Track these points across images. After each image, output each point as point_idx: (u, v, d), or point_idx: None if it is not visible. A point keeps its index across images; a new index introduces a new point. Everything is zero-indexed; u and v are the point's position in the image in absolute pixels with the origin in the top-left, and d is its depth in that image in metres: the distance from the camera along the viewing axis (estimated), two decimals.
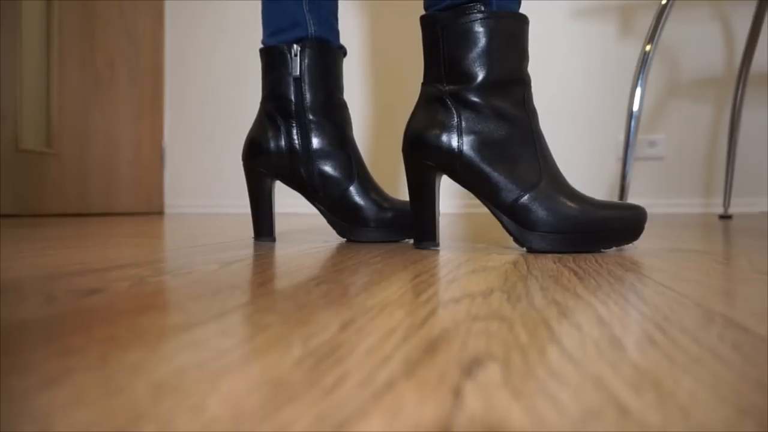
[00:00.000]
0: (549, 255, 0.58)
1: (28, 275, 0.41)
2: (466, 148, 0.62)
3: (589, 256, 0.57)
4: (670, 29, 2.03)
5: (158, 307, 0.30)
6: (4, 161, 1.71)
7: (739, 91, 1.66)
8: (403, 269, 0.46)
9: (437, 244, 0.66)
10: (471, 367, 0.19)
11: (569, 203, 0.61)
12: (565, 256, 0.57)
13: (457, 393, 0.17)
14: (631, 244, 0.69)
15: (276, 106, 0.76)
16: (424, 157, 0.64)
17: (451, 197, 2.18)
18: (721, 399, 0.16)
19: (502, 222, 0.62)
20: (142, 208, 2.32)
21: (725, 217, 1.59)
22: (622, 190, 1.31)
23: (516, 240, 0.62)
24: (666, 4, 1.31)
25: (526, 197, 0.61)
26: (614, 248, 0.64)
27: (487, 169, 0.62)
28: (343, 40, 0.84)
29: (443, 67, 0.64)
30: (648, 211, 2.06)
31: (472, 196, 2.18)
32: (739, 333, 0.24)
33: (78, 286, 0.36)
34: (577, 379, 0.18)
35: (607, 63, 2.10)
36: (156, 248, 0.66)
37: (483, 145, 0.62)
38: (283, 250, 0.63)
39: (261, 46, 0.79)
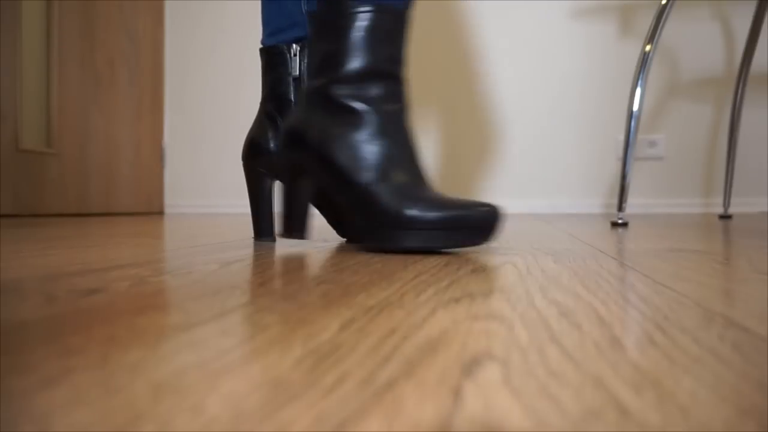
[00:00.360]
0: (549, 255, 0.58)
1: (28, 275, 0.41)
2: (318, 143, 0.63)
3: (589, 256, 0.57)
4: (670, 29, 2.03)
5: (158, 307, 0.30)
6: (4, 161, 1.71)
7: (739, 91, 1.66)
8: (403, 269, 0.46)
9: (274, 240, 0.72)
10: (471, 367, 0.19)
11: (415, 201, 0.59)
12: (565, 256, 0.57)
13: (457, 393, 0.17)
14: (486, 245, 0.68)
15: (276, 106, 0.76)
16: (290, 153, 0.65)
17: None
18: (722, 399, 0.16)
19: (347, 217, 0.62)
20: (142, 208, 2.32)
21: (725, 217, 1.59)
22: (622, 190, 1.31)
23: (358, 239, 0.62)
24: (666, 4, 1.31)
25: (367, 193, 0.60)
26: (469, 248, 0.62)
27: (335, 165, 0.62)
28: None
29: (314, 61, 0.65)
30: (648, 211, 2.07)
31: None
32: (739, 333, 0.24)
33: (78, 286, 0.36)
34: (577, 379, 0.18)
35: (607, 63, 2.10)
36: (156, 248, 0.66)
37: (331, 140, 0.62)
38: (283, 250, 0.63)
39: (261, 46, 0.79)
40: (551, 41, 2.13)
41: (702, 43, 2.04)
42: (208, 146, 2.42)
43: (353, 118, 0.63)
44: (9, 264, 0.48)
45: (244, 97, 2.35)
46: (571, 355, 0.21)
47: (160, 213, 2.36)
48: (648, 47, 1.30)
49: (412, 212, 0.58)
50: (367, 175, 0.61)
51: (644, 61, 1.30)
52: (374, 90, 0.63)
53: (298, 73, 0.75)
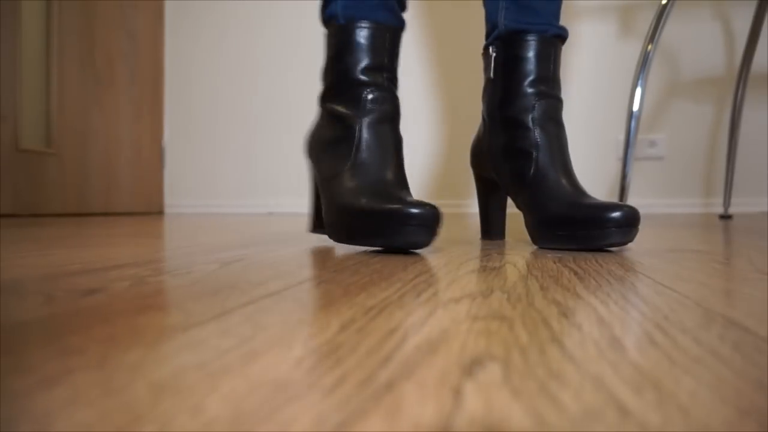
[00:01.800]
0: (549, 255, 0.58)
1: (28, 275, 0.41)
2: (310, 147, 0.73)
3: (589, 255, 0.57)
4: (670, 29, 2.03)
5: (158, 307, 0.30)
6: (4, 161, 1.71)
7: (739, 91, 1.66)
8: (403, 269, 0.46)
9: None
10: (471, 367, 0.19)
11: (359, 197, 0.62)
12: (566, 256, 0.57)
13: (457, 393, 0.17)
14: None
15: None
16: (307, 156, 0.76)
17: (452, 197, 2.18)
18: (722, 399, 0.16)
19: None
20: (142, 208, 2.32)
21: (725, 217, 1.59)
22: (622, 190, 1.31)
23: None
24: (666, 4, 1.31)
25: (330, 187, 0.66)
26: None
27: (320, 166, 0.70)
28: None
29: (322, 70, 0.75)
30: (648, 211, 2.07)
31: (467, 196, 2.18)
32: (739, 333, 0.24)
33: (78, 286, 0.36)
34: (577, 379, 0.18)
35: (606, 63, 2.10)
36: (156, 248, 0.66)
37: (318, 144, 0.71)
38: (283, 250, 0.63)
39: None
40: None
41: (702, 43, 2.04)
42: (208, 146, 2.42)
43: (339, 125, 0.69)
44: (9, 264, 0.48)
45: (244, 97, 2.35)
46: (571, 355, 0.21)
47: (160, 213, 2.36)
48: (648, 47, 1.30)
49: (364, 206, 0.61)
50: (333, 171, 0.67)
51: (644, 61, 1.30)
52: (341, 100, 0.69)
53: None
